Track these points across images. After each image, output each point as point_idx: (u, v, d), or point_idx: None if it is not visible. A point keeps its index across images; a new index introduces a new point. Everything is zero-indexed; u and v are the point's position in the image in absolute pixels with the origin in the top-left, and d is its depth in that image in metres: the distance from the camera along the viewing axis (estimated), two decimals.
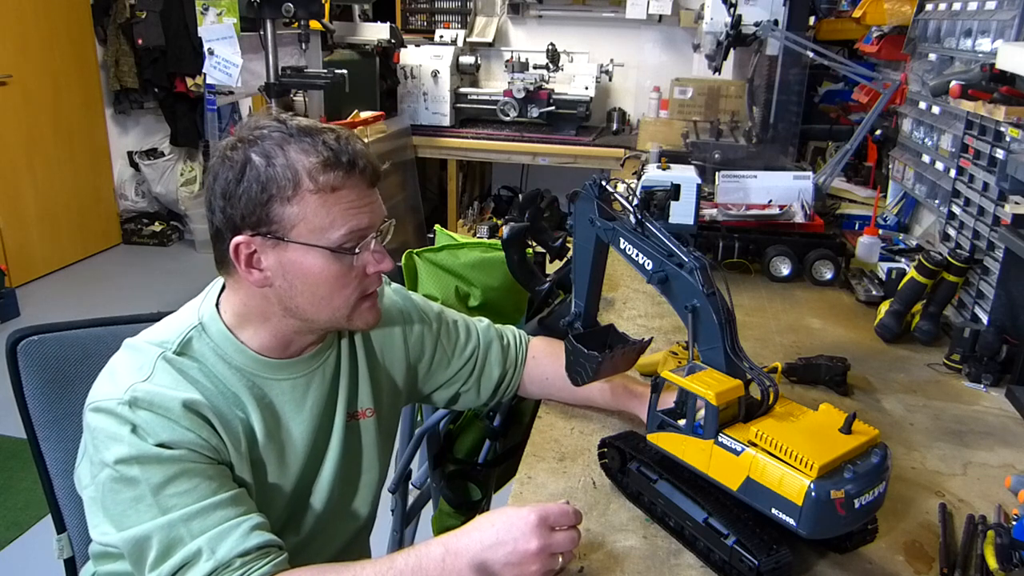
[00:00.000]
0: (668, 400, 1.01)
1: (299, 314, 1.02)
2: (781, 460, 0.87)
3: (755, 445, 0.89)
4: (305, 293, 1.00)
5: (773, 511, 0.87)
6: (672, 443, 0.98)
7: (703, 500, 0.96)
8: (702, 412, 0.93)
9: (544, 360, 1.32)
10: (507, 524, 0.86)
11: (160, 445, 0.92)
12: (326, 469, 1.12)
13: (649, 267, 1.02)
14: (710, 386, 0.92)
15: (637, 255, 1.04)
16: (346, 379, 1.14)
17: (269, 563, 0.90)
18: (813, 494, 0.83)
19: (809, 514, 0.84)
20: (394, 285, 1.26)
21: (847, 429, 0.90)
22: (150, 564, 0.89)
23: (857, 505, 0.85)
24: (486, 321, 1.34)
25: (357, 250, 0.99)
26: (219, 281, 1.08)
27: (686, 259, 0.98)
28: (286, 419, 1.07)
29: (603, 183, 1.08)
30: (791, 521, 0.86)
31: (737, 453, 0.90)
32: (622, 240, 1.05)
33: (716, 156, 2.40)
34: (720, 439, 0.92)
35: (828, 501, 0.83)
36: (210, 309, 1.04)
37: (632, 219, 1.04)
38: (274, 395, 1.05)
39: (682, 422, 0.96)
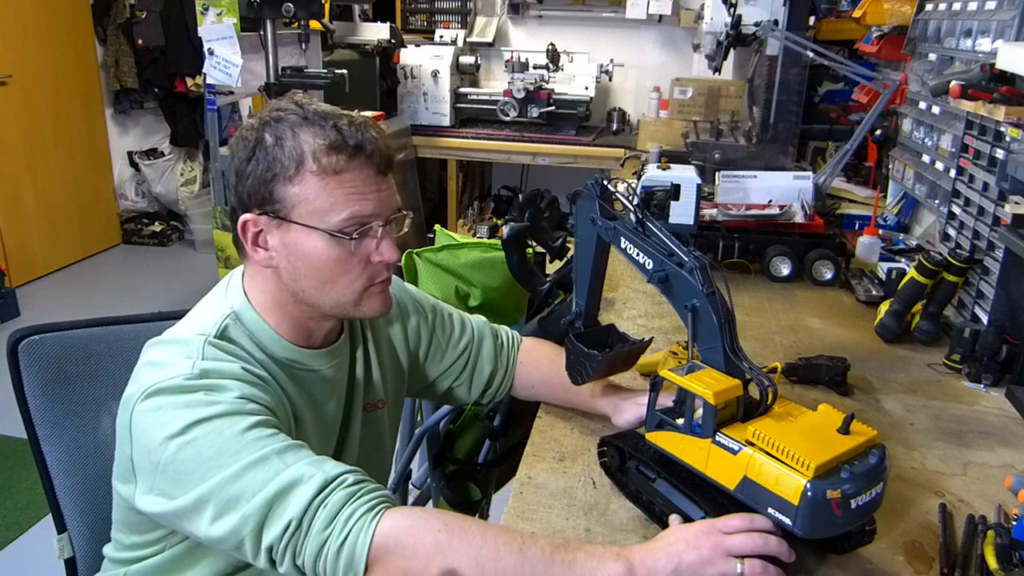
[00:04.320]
0: (667, 400, 1.01)
1: (304, 298, 1.02)
2: (778, 460, 0.86)
3: (752, 445, 0.89)
4: (309, 276, 1.00)
5: (770, 511, 0.87)
6: (670, 442, 0.98)
7: (701, 499, 0.96)
8: (700, 411, 0.93)
9: (531, 366, 1.32)
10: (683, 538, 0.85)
11: (239, 399, 0.91)
12: (348, 459, 1.10)
13: (649, 266, 1.02)
14: (708, 385, 0.92)
15: (638, 254, 1.04)
16: (362, 370, 1.15)
17: (378, 490, 0.86)
18: (809, 494, 0.83)
19: (805, 514, 0.84)
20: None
21: (845, 429, 0.90)
22: (249, 495, 0.84)
23: (854, 505, 0.85)
24: (482, 318, 1.35)
25: (355, 235, 0.98)
26: (237, 272, 1.08)
27: (686, 259, 0.98)
28: (317, 408, 1.07)
29: (605, 182, 1.08)
30: (787, 521, 0.86)
31: (734, 452, 0.90)
32: (623, 239, 1.06)
33: (716, 156, 2.40)
34: (718, 438, 0.92)
35: (824, 501, 0.83)
36: (240, 297, 1.04)
37: (633, 218, 1.05)
38: (307, 383, 1.06)
39: (680, 421, 0.96)
